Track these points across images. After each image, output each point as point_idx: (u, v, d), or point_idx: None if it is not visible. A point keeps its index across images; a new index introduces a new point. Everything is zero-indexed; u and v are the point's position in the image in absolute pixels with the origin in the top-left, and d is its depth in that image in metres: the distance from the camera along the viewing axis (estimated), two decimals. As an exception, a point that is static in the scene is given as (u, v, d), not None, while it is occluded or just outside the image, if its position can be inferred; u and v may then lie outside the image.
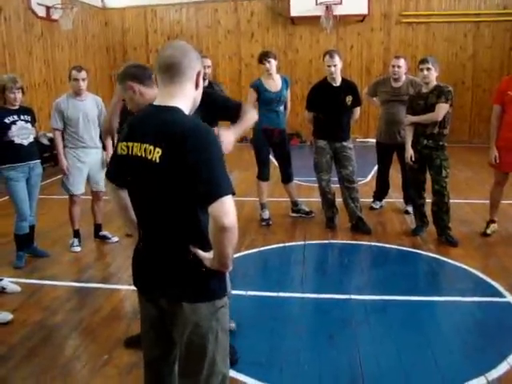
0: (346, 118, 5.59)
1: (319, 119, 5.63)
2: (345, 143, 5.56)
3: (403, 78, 6.02)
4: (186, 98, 1.88)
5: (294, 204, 6.19)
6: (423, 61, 5.05)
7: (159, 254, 1.90)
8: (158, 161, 1.75)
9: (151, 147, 1.78)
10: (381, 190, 6.52)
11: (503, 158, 5.15)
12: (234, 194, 1.70)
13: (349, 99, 5.49)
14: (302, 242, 5.28)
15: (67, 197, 5.27)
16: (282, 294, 4.06)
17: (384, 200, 6.57)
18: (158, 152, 1.75)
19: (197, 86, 1.91)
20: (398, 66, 5.95)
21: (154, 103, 1.90)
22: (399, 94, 5.97)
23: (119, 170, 2.00)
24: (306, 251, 5.06)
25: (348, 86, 5.58)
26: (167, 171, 1.75)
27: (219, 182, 1.69)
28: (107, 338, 3.45)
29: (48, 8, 10.17)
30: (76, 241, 5.27)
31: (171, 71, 1.84)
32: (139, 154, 1.83)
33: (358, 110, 5.74)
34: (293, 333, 3.42)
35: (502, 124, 5.17)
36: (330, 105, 5.47)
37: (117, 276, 4.56)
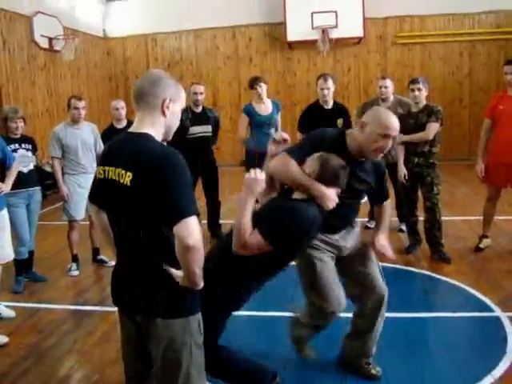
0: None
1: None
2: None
3: (391, 98, 6.11)
4: (155, 125, 1.98)
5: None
6: (414, 81, 5.15)
7: (134, 272, 2.00)
8: (128, 184, 1.87)
9: (123, 171, 1.89)
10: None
11: (494, 174, 5.21)
12: (198, 215, 1.81)
13: (340, 122, 5.59)
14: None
15: (66, 223, 5.38)
16: (269, 314, 4.11)
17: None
18: (128, 176, 1.87)
19: (163, 113, 1.98)
20: (385, 87, 6.04)
21: (129, 130, 2.02)
22: None
23: (98, 192, 2.12)
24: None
25: (339, 109, 5.70)
26: (137, 194, 1.86)
27: (182, 205, 1.80)
28: (99, 358, 3.53)
29: (50, 39, 10.41)
30: (74, 265, 5.36)
31: (138, 100, 1.98)
32: (114, 178, 1.94)
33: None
34: (274, 352, 3.45)
35: (491, 139, 5.25)
36: (321, 127, 5.53)
37: (112, 298, 4.63)
